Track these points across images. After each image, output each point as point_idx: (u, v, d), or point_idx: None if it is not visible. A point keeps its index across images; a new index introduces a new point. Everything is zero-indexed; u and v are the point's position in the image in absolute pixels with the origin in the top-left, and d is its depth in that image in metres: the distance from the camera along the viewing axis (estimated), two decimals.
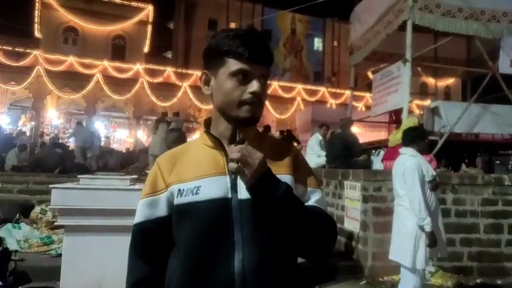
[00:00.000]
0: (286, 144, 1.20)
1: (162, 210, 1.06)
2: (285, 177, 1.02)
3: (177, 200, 1.02)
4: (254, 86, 0.99)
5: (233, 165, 0.92)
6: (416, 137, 3.24)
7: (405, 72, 6.55)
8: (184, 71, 18.24)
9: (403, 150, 3.27)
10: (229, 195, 0.99)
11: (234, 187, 0.99)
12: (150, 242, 1.07)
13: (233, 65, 1.00)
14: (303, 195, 1.06)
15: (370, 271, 4.50)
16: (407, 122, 5.88)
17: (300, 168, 1.09)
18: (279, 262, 0.99)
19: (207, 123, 1.11)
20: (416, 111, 13.49)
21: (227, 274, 0.94)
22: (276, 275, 0.98)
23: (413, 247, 2.95)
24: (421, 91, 18.79)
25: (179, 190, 1.02)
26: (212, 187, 0.99)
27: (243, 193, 0.98)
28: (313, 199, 1.07)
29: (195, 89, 16.94)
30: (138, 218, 1.09)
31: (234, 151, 0.93)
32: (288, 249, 1.00)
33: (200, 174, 1.02)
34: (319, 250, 1.06)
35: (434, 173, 3.16)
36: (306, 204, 1.05)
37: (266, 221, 0.96)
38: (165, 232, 1.04)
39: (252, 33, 1.04)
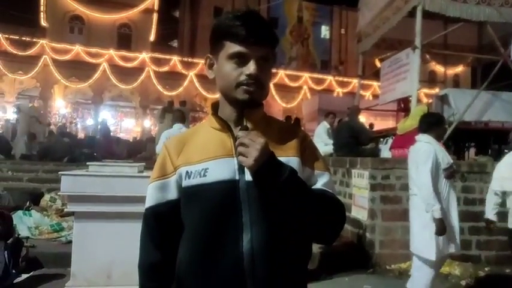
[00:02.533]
0: (293, 127, 1.19)
1: (172, 194, 1.06)
2: (292, 160, 1.02)
3: (185, 183, 1.02)
4: (250, 68, 0.99)
5: (240, 157, 0.93)
6: (434, 123, 3.13)
7: (414, 59, 6.44)
8: (190, 59, 18.15)
9: (419, 137, 3.16)
10: (237, 177, 0.99)
11: (241, 169, 0.99)
12: (162, 225, 1.07)
13: (230, 47, 1.00)
14: (310, 177, 1.05)
15: (378, 259, 4.51)
16: (416, 110, 5.80)
17: (308, 151, 1.09)
18: (287, 243, 0.99)
19: (215, 107, 1.11)
20: (425, 100, 13.34)
21: (236, 254, 0.95)
22: (284, 256, 0.98)
23: (429, 237, 2.87)
24: (429, 79, 18.54)
25: (187, 172, 1.02)
26: (220, 169, 1.00)
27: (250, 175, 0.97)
28: (320, 182, 1.07)
29: (201, 78, 16.89)
30: (150, 201, 1.09)
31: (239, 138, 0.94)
32: (296, 231, 1.00)
33: (208, 156, 1.02)
34: (327, 233, 1.05)
35: (451, 161, 3.06)
36: (313, 187, 1.04)
37: (273, 204, 0.95)
38: (176, 215, 1.05)
39: (250, 14, 1.02)
